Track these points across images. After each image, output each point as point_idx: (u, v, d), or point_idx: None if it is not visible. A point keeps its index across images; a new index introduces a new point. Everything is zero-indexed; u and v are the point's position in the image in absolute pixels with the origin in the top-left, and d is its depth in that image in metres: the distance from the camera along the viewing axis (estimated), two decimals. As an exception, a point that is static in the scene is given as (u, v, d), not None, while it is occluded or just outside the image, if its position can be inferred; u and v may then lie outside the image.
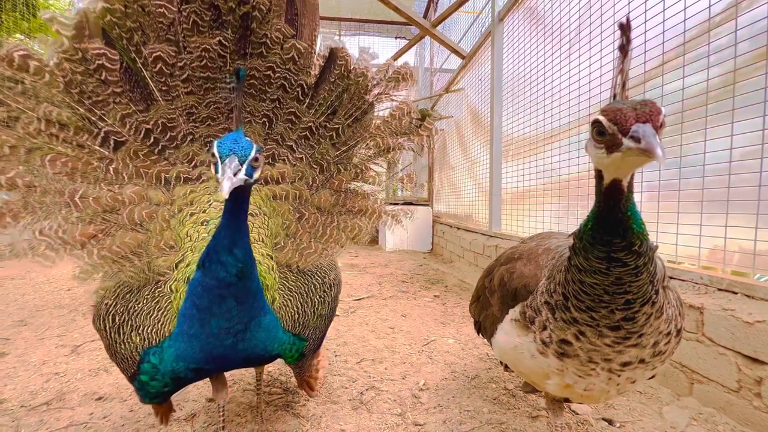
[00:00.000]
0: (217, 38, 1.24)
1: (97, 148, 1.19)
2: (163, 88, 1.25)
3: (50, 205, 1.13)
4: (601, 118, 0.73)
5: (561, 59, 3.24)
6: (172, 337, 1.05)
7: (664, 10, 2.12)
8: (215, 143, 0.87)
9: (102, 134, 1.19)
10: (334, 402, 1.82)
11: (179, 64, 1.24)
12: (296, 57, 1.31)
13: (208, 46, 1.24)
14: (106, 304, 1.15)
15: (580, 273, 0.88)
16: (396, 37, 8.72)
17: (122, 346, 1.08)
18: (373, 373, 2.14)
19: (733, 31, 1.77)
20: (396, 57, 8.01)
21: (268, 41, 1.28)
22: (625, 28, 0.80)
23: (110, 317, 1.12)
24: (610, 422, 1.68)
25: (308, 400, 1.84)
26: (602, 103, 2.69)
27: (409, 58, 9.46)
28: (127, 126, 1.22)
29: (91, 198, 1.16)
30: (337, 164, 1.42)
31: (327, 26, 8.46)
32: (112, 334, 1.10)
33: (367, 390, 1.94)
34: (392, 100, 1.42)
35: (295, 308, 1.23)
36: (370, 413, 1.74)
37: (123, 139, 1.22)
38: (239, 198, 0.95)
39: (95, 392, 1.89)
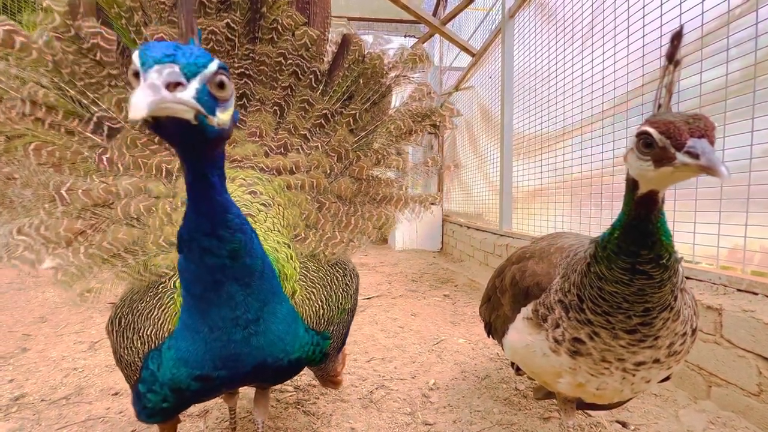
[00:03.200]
0: (225, 21, 1.19)
1: (89, 135, 1.07)
2: None
3: (32, 199, 1.02)
4: (651, 130, 0.70)
5: (573, 56, 3.18)
6: (172, 336, 0.91)
7: (681, 3, 2.07)
8: (138, 49, 0.59)
9: (95, 120, 1.07)
10: (344, 400, 1.83)
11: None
12: (309, 44, 1.28)
13: (215, 29, 1.18)
14: (117, 306, 1.09)
15: (600, 281, 0.86)
16: (405, 36, 8.68)
17: (126, 351, 0.99)
18: (383, 372, 2.14)
19: (753, 24, 1.72)
20: (405, 55, 7.97)
21: (278, 26, 1.25)
22: (676, 39, 0.77)
23: (117, 320, 1.04)
24: (624, 425, 1.65)
25: (318, 398, 1.85)
26: (616, 100, 2.65)
27: (419, 56, 9.40)
28: (124, 111, 1.09)
29: (80, 190, 1.04)
30: (356, 151, 1.35)
31: (335, 25, 8.46)
32: (117, 338, 1.02)
33: (377, 389, 1.94)
34: (410, 81, 1.37)
35: (319, 302, 1.10)
36: (380, 412, 1.74)
37: (118, 125, 1.10)
38: (201, 156, 0.69)
39: (112, 387, 1.94)
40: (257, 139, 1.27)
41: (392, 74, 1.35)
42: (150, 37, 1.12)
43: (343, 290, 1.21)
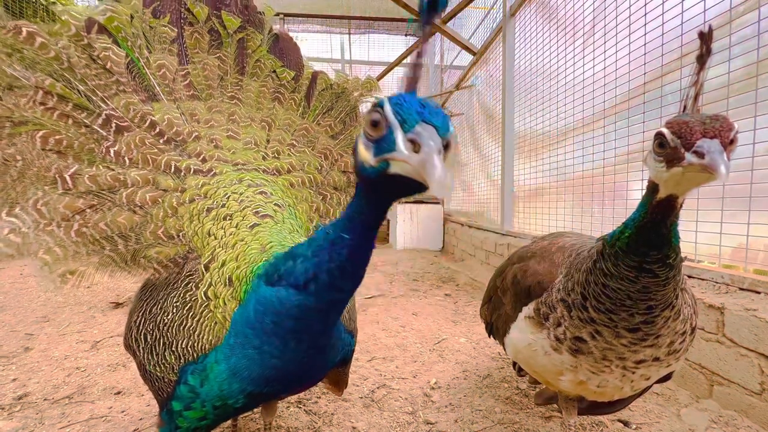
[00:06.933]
0: (217, 55, 1.43)
1: (97, 128, 1.15)
2: (166, 90, 1.31)
3: (33, 180, 1.07)
4: (665, 130, 0.72)
5: (574, 54, 3.17)
6: (221, 350, 0.86)
7: (683, 0, 2.06)
8: (385, 100, 0.62)
9: (103, 116, 1.15)
10: (345, 399, 1.84)
11: (181, 73, 1.35)
12: (288, 79, 1.57)
13: (208, 62, 1.41)
14: (135, 322, 1.06)
15: (605, 277, 0.87)
16: (405, 35, 8.67)
17: (158, 368, 0.96)
18: (385, 371, 2.14)
19: (756, 21, 1.71)
20: (406, 54, 7.98)
21: (261, 65, 1.52)
22: (706, 37, 0.77)
23: (141, 336, 1.01)
24: (626, 424, 1.65)
25: (320, 398, 1.85)
26: (617, 99, 2.64)
27: (419, 55, 9.39)
28: (131, 112, 1.19)
29: (86, 176, 1.08)
30: (338, 150, 1.57)
31: (337, 25, 8.49)
32: (146, 355, 0.99)
33: (378, 388, 1.95)
34: (369, 99, 1.70)
35: (349, 303, 1.14)
36: (382, 411, 1.75)
37: (125, 124, 1.18)
38: (389, 197, 0.71)
39: (114, 387, 1.94)
40: (253, 146, 1.41)
41: (356, 94, 1.66)
42: (152, 63, 1.27)
43: None
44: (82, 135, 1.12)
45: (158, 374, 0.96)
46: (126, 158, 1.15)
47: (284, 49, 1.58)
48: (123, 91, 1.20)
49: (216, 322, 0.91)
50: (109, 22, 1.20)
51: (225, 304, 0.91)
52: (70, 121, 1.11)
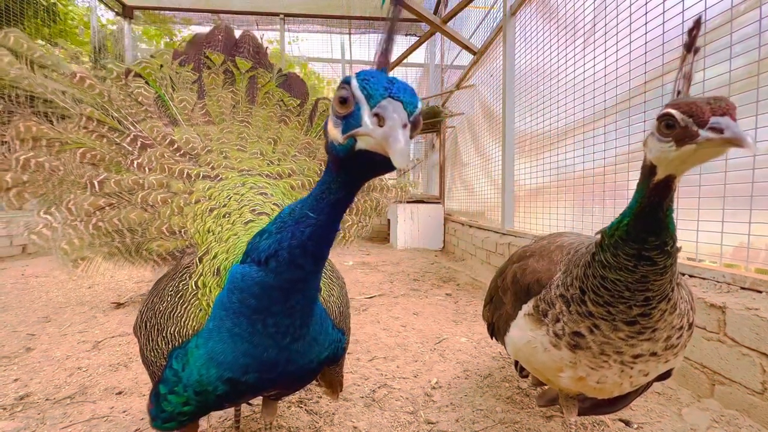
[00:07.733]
0: (230, 90, 1.66)
1: (125, 145, 1.37)
2: (186, 118, 1.54)
3: (69, 186, 1.27)
4: (673, 111, 0.73)
5: (575, 53, 3.17)
6: (201, 335, 0.88)
7: (684, -1, 2.05)
8: (353, 76, 0.62)
9: (131, 136, 1.39)
10: (346, 399, 1.84)
11: (200, 105, 1.58)
12: (293, 106, 1.77)
13: (222, 96, 1.63)
14: (141, 310, 1.13)
15: (604, 269, 0.89)
16: (406, 35, 8.67)
17: (152, 353, 1.01)
18: (385, 371, 2.14)
19: (757, 20, 1.71)
20: (406, 54, 7.98)
21: (270, 95, 1.73)
22: (695, 29, 0.81)
23: (143, 324, 1.08)
24: (627, 423, 1.65)
25: (321, 397, 1.85)
26: (618, 98, 2.63)
27: (420, 54, 9.42)
28: (155, 133, 1.41)
29: (112, 181, 1.30)
30: None
31: (337, 25, 8.50)
32: (144, 341, 1.05)
33: (379, 388, 1.95)
34: None
35: (339, 298, 1.15)
36: (383, 411, 1.75)
37: (149, 142, 1.40)
38: (357, 177, 0.71)
39: (115, 387, 1.95)
40: (259, 156, 1.54)
41: None
42: (175, 98, 1.52)
43: (340, 285, 1.26)
44: (113, 151, 1.35)
45: (152, 359, 1.01)
46: (146, 168, 1.35)
47: (291, 84, 1.80)
48: (150, 118, 1.44)
49: (201, 309, 0.95)
50: (143, 70, 1.51)
51: (211, 292, 0.95)
52: (104, 140, 1.35)
